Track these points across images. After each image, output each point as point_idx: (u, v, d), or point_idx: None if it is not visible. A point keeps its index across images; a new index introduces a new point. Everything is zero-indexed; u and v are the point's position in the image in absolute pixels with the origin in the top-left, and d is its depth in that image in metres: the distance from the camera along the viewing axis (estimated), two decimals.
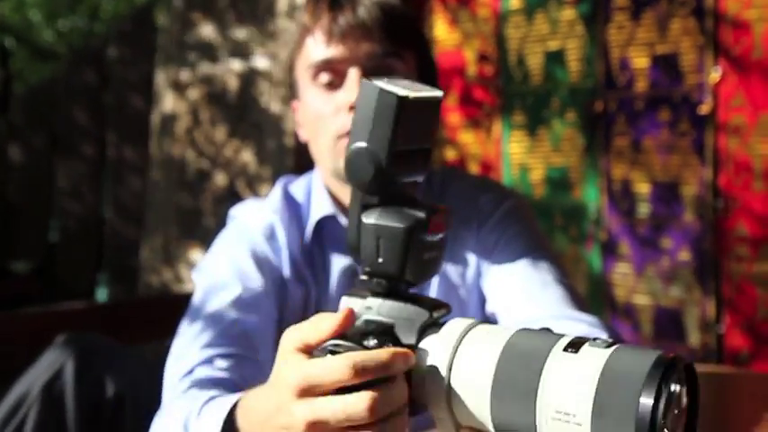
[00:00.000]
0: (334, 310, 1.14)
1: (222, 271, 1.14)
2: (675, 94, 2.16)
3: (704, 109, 2.10)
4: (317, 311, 1.15)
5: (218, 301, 1.09)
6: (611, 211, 2.27)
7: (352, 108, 1.07)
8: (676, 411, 0.57)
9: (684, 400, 0.58)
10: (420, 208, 0.68)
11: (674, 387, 0.56)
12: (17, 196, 3.62)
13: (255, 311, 1.09)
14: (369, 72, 1.09)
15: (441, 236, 0.69)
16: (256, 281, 1.12)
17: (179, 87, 3.04)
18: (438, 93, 0.70)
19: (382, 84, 0.67)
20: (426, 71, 1.18)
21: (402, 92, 0.66)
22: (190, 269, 2.92)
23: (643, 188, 2.21)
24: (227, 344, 1.03)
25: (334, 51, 1.09)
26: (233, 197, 2.86)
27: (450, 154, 2.58)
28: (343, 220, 1.16)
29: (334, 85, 1.10)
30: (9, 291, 3.28)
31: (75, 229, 3.44)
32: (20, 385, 1.21)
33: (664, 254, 2.17)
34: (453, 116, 2.56)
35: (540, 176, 2.40)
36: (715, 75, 2.08)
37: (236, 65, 2.93)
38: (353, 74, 1.08)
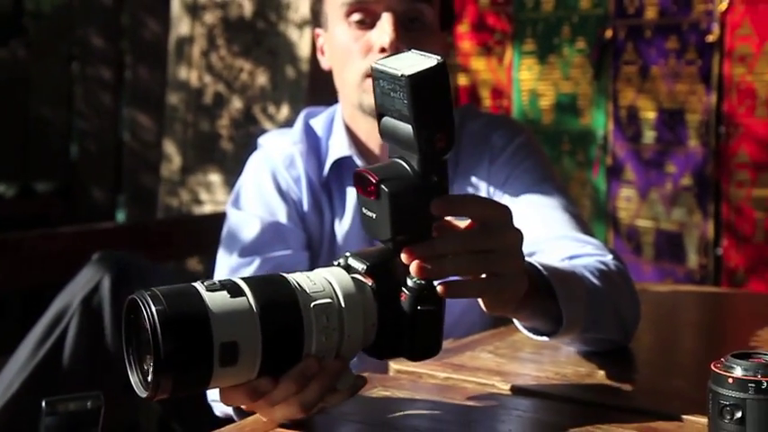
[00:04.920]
0: (350, 239, 1.23)
1: (250, 204, 1.22)
2: (683, 22, 2.19)
3: (711, 37, 2.13)
4: (332, 241, 1.25)
5: (248, 237, 1.17)
6: (618, 136, 2.33)
7: (383, 50, 1.13)
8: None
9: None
10: None
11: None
12: (37, 117, 3.69)
13: (284, 244, 1.17)
14: (400, 15, 1.14)
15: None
16: (282, 211, 1.20)
17: (195, 11, 3.07)
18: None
19: None
20: (447, 16, 1.23)
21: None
22: (207, 191, 3.01)
23: (649, 115, 2.26)
24: None
25: None
26: (249, 122, 2.92)
27: (463, 80, 2.62)
28: (359, 161, 1.22)
29: (366, 24, 1.15)
30: (32, 210, 3.38)
31: (94, 151, 3.52)
32: (61, 299, 1.31)
33: (667, 179, 2.24)
34: (466, 43, 2.59)
35: (550, 102, 2.45)
36: (723, 4, 2.11)
37: None
38: (387, 17, 1.13)
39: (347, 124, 1.25)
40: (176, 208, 3.07)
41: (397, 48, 1.13)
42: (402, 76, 0.70)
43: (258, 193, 1.22)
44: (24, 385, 1.25)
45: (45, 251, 1.96)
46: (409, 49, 0.75)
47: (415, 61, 0.72)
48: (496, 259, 0.76)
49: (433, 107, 0.72)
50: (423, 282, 0.76)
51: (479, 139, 1.24)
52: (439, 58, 0.72)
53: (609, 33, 2.31)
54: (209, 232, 2.41)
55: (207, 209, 2.98)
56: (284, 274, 0.76)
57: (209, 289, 0.70)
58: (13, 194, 3.40)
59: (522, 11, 2.49)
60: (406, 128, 0.72)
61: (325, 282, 0.76)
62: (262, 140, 1.31)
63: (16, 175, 3.59)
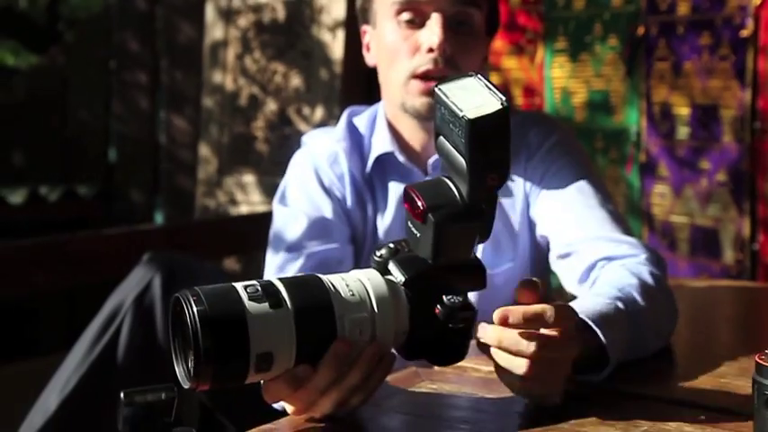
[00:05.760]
0: (391, 234, 1.25)
1: (295, 201, 1.25)
2: (717, 17, 2.19)
3: (745, 32, 2.13)
4: (374, 235, 1.28)
5: (294, 233, 1.20)
6: (651, 133, 2.33)
7: (430, 50, 1.15)
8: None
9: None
10: None
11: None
12: (76, 121, 3.76)
13: (330, 238, 1.20)
14: (449, 17, 1.16)
15: None
16: (327, 207, 1.23)
17: (229, 16, 3.12)
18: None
19: None
20: (493, 22, 1.25)
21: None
22: (243, 192, 3.06)
23: (683, 111, 2.27)
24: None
25: None
26: (284, 123, 2.97)
27: (494, 79, 2.64)
28: (401, 157, 1.25)
29: (415, 24, 1.17)
30: (74, 213, 3.45)
31: (132, 154, 3.58)
32: (114, 298, 1.35)
33: (702, 175, 2.24)
34: (497, 42, 2.61)
35: (582, 100, 2.46)
36: None
37: None
38: (436, 18, 1.15)
39: (390, 121, 1.27)
40: (213, 209, 3.12)
41: (444, 50, 1.15)
42: (464, 117, 0.70)
43: (303, 190, 1.25)
44: (82, 381, 1.29)
45: (90, 252, 2.02)
46: (476, 74, 0.76)
47: (478, 98, 0.72)
48: (546, 370, 0.80)
49: (490, 150, 0.72)
50: (458, 300, 0.79)
51: (516, 136, 1.25)
52: (503, 99, 0.72)
53: (641, 30, 2.32)
54: (247, 233, 2.47)
55: (243, 209, 3.03)
56: (323, 279, 0.77)
57: (251, 297, 0.72)
58: (56, 198, 3.47)
59: (553, 9, 2.50)
60: (461, 160, 0.73)
61: (361, 289, 0.78)
62: (306, 138, 1.34)
63: (58, 178, 3.67)
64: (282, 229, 1.22)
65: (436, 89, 0.74)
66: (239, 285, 0.74)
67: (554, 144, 1.24)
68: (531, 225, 1.25)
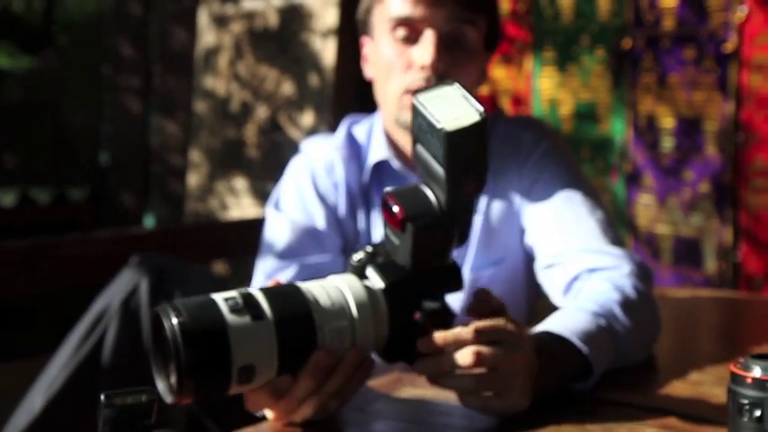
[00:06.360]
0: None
1: (289, 207, 1.24)
2: (701, 32, 2.22)
3: (729, 47, 2.16)
4: (368, 242, 1.28)
5: (286, 241, 1.19)
6: (637, 144, 2.36)
7: (423, 67, 1.15)
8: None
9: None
10: None
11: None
12: (68, 124, 3.76)
13: (322, 249, 1.20)
14: (443, 35, 1.16)
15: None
16: (320, 215, 1.22)
17: (222, 22, 3.14)
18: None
19: None
20: (493, 37, 1.24)
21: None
22: (234, 197, 3.07)
23: (668, 122, 2.29)
24: None
25: (415, 11, 1.15)
26: (275, 129, 2.98)
27: (483, 89, 2.66)
28: (396, 164, 1.25)
29: (410, 40, 1.17)
30: (65, 216, 3.45)
31: (123, 158, 3.58)
32: (100, 301, 1.32)
33: (685, 185, 2.27)
34: None
35: (569, 111, 2.48)
36: (740, 14, 2.14)
37: (277, 1, 3.01)
38: (430, 35, 1.15)
39: (387, 131, 1.27)
40: (203, 213, 3.13)
41: (437, 68, 1.15)
42: (441, 130, 0.71)
43: (298, 197, 1.25)
44: (67, 382, 1.27)
45: (80, 255, 2.02)
46: (454, 83, 0.76)
47: (456, 108, 0.72)
48: (500, 380, 0.79)
49: (467, 159, 0.73)
50: (437, 306, 0.80)
51: (509, 139, 1.24)
52: (481, 110, 0.72)
53: (628, 43, 2.35)
54: (237, 238, 2.48)
55: (234, 214, 3.04)
56: (302, 289, 0.77)
57: (232, 310, 0.71)
58: (47, 201, 3.47)
59: (542, 21, 2.53)
60: (439, 169, 0.73)
61: (340, 297, 0.77)
62: (304, 145, 1.34)
63: (49, 181, 3.67)
64: (276, 235, 1.22)
65: (414, 99, 0.75)
66: (219, 298, 0.73)
67: (546, 149, 1.24)
68: (521, 232, 1.25)
